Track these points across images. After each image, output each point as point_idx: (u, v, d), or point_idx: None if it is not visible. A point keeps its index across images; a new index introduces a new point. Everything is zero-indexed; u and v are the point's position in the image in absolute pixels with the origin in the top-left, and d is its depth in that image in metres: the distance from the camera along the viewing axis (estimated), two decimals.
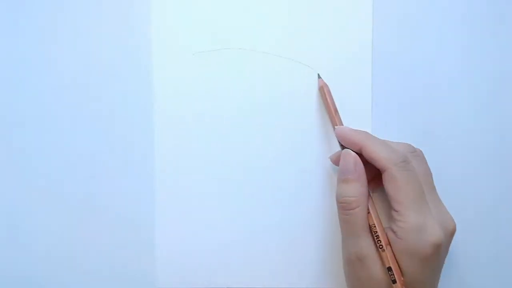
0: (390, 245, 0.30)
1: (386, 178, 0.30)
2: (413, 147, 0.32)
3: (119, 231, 0.35)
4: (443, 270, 0.31)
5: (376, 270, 0.29)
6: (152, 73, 0.35)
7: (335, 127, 0.33)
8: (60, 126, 0.35)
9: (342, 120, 0.34)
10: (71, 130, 0.35)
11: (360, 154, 0.31)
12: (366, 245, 0.30)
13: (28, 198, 0.35)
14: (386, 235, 0.30)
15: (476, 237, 0.36)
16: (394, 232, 0.29)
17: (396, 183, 0.29)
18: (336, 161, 0.33)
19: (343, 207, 0.30)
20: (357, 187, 0.30)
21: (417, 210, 0.29)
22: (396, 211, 0.29)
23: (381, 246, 0.29)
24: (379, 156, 0.30)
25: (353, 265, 0.30)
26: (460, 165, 0.36)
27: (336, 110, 0.34)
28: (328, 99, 0.34)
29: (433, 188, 0.32)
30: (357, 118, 0.35)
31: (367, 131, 0.35)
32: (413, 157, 0.31)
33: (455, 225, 0.31)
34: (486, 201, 0.36)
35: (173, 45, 0.35)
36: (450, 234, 0.30)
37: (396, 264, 0.29)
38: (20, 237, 0.35)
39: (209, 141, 0.35)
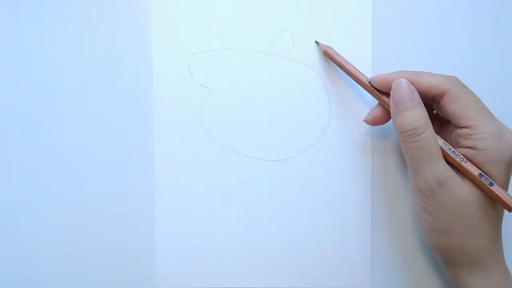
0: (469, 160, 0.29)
1: (449, 99, 0.30)
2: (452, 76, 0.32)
3: (119, 231, 0.35)
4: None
5: (461, 190, 0.29)
6: (152, 73, 0.35)
7: (369, 79, 0.32)
8: (60, 126, 0.35)
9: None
10: (71, 130, 0.35)
11: None
12: (444, 167, 0.29)
13: (27, 198, 0.35)
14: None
15: None
16: (471, 147, 0.29)
17: (462, 100, 0.29)
18: (374, 119, 0.33)
19: (413, 133, 0.29)
20: (421, 111, 0.30)
21: (489, 119, 0.29)
22: (468, 127, 0.29)
23: (462, 159, 0.29)
24: (436, 81, 0.30)
25: (433, 192, 0.29)
26: None
27: (354, 67, 0.33)
28: (339, 59, 0.33)
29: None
30: (357, 118, 0.35)
31: (367, 135, 0.35)
32: None
33: None
34: None
35: (173, 45, 0.35)
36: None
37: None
38: (19, 237, 0.35)
39: (209, 140, 0.35)
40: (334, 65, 0.35)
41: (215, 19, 0.35)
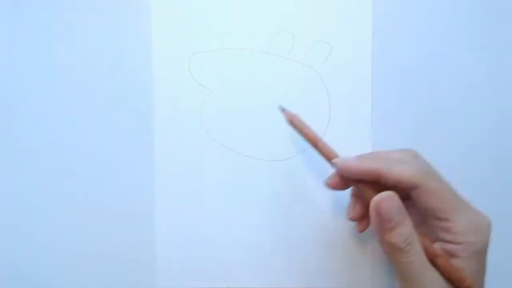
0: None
1: (422, 193, 0.28)
2: (411, 150, 0.30)
3: (119, 230, 0.35)
4: None
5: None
6: (152, 73, 0.35)
7: (334, 161, 0.30)
8: (60, 126, 0.35)
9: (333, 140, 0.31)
10: (71, 130, 0.35)
11: (369, 182, 0.29)
12: (438, 274, 0.28)
13: (27, 197, 0.35)
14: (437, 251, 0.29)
15: None
16: (450, 242, 0.28)
17: (435, 193, 0.28)
18: (336, 186, 0.31)
19: (408, 249, 0.27)
20: (410, 223, 0.28)
21: (465, 210, 0.28)
22: (446, 219, 0.28)
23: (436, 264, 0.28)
24: (406, 176, 0.28)
25: None
26: (460, 165, 0.36)
27: (320, 140, 0.31)
28: (306, 130, 0.31)
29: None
30: (357, 118, 0.35)
31: (367, 132, 0.35)
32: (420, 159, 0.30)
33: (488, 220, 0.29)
34: (486, 201, 0.36)
35: (173, 45, 0.35)
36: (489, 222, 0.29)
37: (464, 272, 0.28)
38: (19, 236, 0.35)
39: (209, 140, 0.35)
40: (335, 65, 0.35)
41: (215, 19, 0.35)
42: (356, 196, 0.32)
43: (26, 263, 0.35)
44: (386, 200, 0.28)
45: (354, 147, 0.35)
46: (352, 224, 0.35)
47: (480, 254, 0.28)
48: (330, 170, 0.35)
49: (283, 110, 0.32)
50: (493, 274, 0.36)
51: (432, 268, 0.28)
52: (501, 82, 0.36)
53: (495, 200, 0.36)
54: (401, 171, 0.28)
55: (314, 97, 0.35)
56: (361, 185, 0.30)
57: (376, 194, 0.28)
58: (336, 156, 0.30)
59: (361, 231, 0.32)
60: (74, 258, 0.35)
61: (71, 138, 0.35)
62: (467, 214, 0.28)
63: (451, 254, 0.28)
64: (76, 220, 0.35)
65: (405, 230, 0.28)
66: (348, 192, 0.35)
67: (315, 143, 0.31)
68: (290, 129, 0.35)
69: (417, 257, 0.27)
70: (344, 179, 0.30)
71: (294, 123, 0.31)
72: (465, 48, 0.35)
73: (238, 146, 0.35)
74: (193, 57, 0.35)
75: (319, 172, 0.35)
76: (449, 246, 0.28)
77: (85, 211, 0.35)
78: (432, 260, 0.28)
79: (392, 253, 0.28)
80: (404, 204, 0.28)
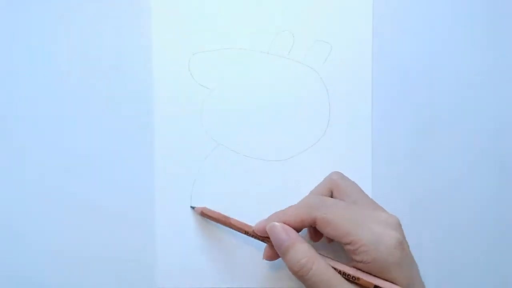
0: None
1: (321, 225, 0.30)
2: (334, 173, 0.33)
3: (119, 231, 0.35)
4: (443, 268, 0.31)
5: None
6: (152, 73, 0.35)
7: (253, 228, 0.32)
8: (60, 126, 0.35)
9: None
10: (71, 130, 0.35)
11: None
12: None
13: (27, 197, 0.35)
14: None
15: (475, 236, 0.36)
16: (361, 262, 0.29)
17: (331, 222, 0.29)
18: (271, 257, 0.32)
19: (304, 272, 0.29)
20: (301, 247, 0.30)
21: (363, 229, 0.29)
22: (348, 243, 0.29)
23: (355, 278, 0.29)
24: (302, 214, 0.30)
25: None
26: (460, 165, 0.36)
27: (236, 220, 0.33)
28: (217, 216, 0.34)
29: (359, 191, 0.32)
30: (357, 118, 0.35)
31: (367, 132, 0.35)
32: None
33: (396, 218, 0.30)
34: (486, 201, 0.36)
35: (173, 45, 0.35)
36: (397, 226, 0.30)
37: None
38: (19, 236, 0.35)
39: (209, 140, 0.35)
40: (335, 65, 0.35)
41: (215, 19, 0.35)
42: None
43: (25, 263, 0.35)
44: (272, 227, 0.31)
45: (354, 147, 0.35)
46: None
47: (395, 265, 0.28)
48: (330, 170, 0.35)
49: (192, 208, 0.35)
50: (493, 273, 0.36)
51: (340, 285, 0.29)
52: (501, 82, 0.36)
53: (495, 200, 0.36)
54: (297, 211, 0.31)
55: (314, 97, 0.35)
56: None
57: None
58: (249, 227, 0.33)
59: (265, 258, 0.33)
60: (74, 258, 0.35)
61: (71, 138, 0.35)
62: (366, 233, 0.29)
63: (374, 274, 0.29)
64: (76, 220, 0.35)
65: (295, 254, 0.29)
66: None
67: (232, 225, 0.33)
68: (290, 129, 0.35)
69: (317, 278, 0.29)
70: (274, 251, 0.32)
71: (205, 214, 0.34)
72: (465, 48, 0.36)
73: (238, 146, 0.35)
74: (193, 57, 0.35)
75: (319, 172, 0.35)
76: (361, 266, 0.29)
77: (85, 210, 0.35)
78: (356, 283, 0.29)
79: (294, 275, 0.30)
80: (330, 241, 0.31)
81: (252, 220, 0.35)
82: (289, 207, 0.32)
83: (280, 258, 0.31)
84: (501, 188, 0.36)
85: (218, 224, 0.35)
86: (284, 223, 0.31)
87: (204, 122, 0.35)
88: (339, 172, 0.34)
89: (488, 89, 0.36)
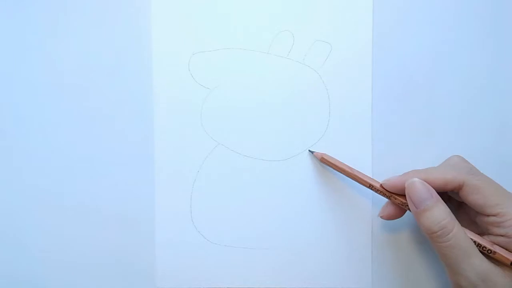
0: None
1: (468, 191, 0.29)
2: (454, 156, 0.32)
3: (119, 231, 0.35)
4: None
5: (503, 281, 0.28)
6: (152, 73, 0.35)
7: (381, 183, 0.32)
8: (60, 126, 0.35)
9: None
10: (71, 130, 0.35)
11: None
12: (482, 261, 0.28)
13: (27, 198, 0.35)
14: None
15: None
16: (503, 235, 0.29)
17: (481, 190, 0.29)
18: (389, 216, 0.32)
19: (442, 234, 0.28)
20: (443, 208, 0.29)
21: (511, 203, 0.29)
22: (495, 215, 0.29)
23: (489, 251, 0.29)
24: (450, 176, 0.30)
25: None
26: None
27: (361, 172, 0.33)
28: (340, 165, 0.33)
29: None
30: (357, 118, 0.35)
31: (367, 132, 0.35)
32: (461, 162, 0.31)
33: None
34: None
35: (173, 45, 0.35)
36: None
37: None
38: (19, 237, 0.35)
39: (209, 141, 0.35)
40: (335, 65, 0.35)
41: (215, 19, 0.35)
42: (394, 204, 0.32)
43: (25, 264, 0.35)
44: (415, 183, 0.30)
45: (354, 147, 0.35)
46: (352, 223, 0.35)
47: None
48: (330, 171, 0.35)
49: (311, 152, 0.35)
50: None
51: (475, 255, 0.28)
52: (501, 83, 0.36)
53: None
54: (444, 174, 0.30)
55: (314, 97, 0.35)
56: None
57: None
58: (376, 182, 0.32)
59: (381, 216, 0.33)
60: (74, 259, 0.35)
61: (71, 138, 0.35)
62: None
63: (510, 249, 0.29)
64: (76, 220, 0.35)
65: (437, 214, 0.29)
66: (347, 191, 0.35)
67: (357, 177, 0.33)
68: (290, 129, 0.35)
69: (454, 242, 0.28)
70: (396, 208, 0.32)
71: (325, 160, 0.34)
72: (465, 48, 0.35)
73: (238, 146, 0.35)
74: (193, 57, 0.35)
75: (319, 172, 0.35)
76: (501, 240, 0.29)
77: (84, 211, 0.35)
78: (489, 254, 0.29)
79: (429, 237, 0.29)
80: (456, 210, 0.30)
81: (251, 221, 0.35)
82: (429, 168, 0.31)
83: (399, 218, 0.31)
84: None
85: (217, 224, 0.35)
86: (426, 181, 0.30)
87: (204, 122, 0.35)
88: (459, 156, 0.33)
89: (488, 90, 0.36)
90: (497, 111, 0.36)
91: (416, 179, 0.30)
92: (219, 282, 0.35)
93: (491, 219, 0.29)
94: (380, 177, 0.35)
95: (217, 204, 0.35)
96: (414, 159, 0.35)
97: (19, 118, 0.35)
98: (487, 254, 0.29)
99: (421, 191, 0.29)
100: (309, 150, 0.35)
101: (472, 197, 0.29)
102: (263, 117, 0.35)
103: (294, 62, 0.35)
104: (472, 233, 0.30)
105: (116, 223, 0.35)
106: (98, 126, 0.35)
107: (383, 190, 0.32)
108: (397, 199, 0.31)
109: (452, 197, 0.32)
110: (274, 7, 0.35)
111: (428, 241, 0.36)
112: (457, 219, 0.29)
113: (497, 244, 0.29)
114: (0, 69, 0.35)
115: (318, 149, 0.35)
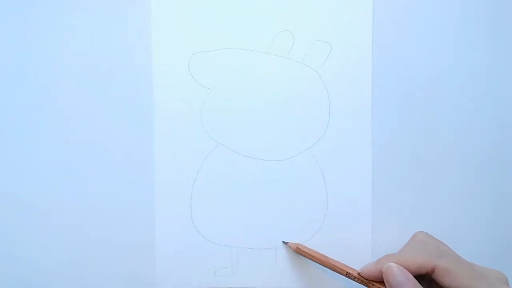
0: None
1: (440, 274, 0.30)
2: (420, 234, 0.33)
3: (119, 231, 0.35)
4: None
5: None
6: (152, 73, 0.35)
7: (358, 271, 0.32)
8: (60, 126, 0.35)
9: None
10: (70, 130, 0.35)
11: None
12: None
13: (27, 198, 0.35)
14: None
15: (475, 236, 0.36)
16: None
17: (453, 273, 0.29)
18: (371, 275, 0.32)
19: None
20: None
21: (483, 284, 0.29)
22: None
23: None
24: (421, 260, 0.30)
25: None
26: (460, 165, 0.36)
27: (337, 261, 0.33)
28: (315, 255, 0.34)
29: (449, 249, 0.33)
30: (357, 118, 0.35)
31: (367, 135, 0.35)
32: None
33: (503, 274, 0.31)
34: (486, 201, 0.36)
35: (173, 45, 0.35)
36: (507, 281, 0.31)
37: None
38: (19, 237, 0.35)
39: (209, 141, 0.35)
40: (335, 65, 0.35)
41: (215, 19, 0.35)
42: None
43: (25, 264, 0.35)
44: (391, 268, 0.30)
45: (354, 147, 0.35)
46: (352, 223, 0.35)
47: None
48: (329, 171, 0.35)
49: (285, 243, 0.35)
50: None
51: None
52: (501, 83, 0.36)
53: (495, 200, 0.36)
54: (415, 257, 0.30)
55: (314, 97, 0.35)
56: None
57: None
58: (353, 270, 0.33)
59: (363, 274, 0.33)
60: (74, 258, 0.35)
61: (71, 138, 0.35)
62: (486, 285, 0.29)
63: None
64: (76, 220, 0.35)
65: None
66: (347, 191, 0.35)
67: (333, 266, 0.33)
68: (290, 129, 0.35)
69: None
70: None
71: (300, 250, 0.34)
72: (465, 48, 0.35)
73: (238, 146, 0.35)
74: (193, 57, 0.35)
75: (319, 172, 0.35)
76: None
77: (84, 210, 0.35)
78: None
79: None
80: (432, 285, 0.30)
81: (251, 221, 0.35)
82: (401, 251, 0.32)
83: None
84: (501, 188, 0.36)
85: (217, 224, 0.35)
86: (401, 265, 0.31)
87: (204, 122, 0.35)
88: (424, 232, 0.34)
89: (488, 90, 0.36)
90: (497, 111, 0.36)
91: (393, 264, 0.30)
92: (219, 282, 0.35)
93: None
94: (379, 178, 0.35)
95: (217, 204, 0.35)
96: (414, 159, 0.35)
97: (19, 118, 0.35)
98: None
99: (398, 275, 0.30)
100: (283, 242, 0.35)
101: (445, 280, 0.30)
102: (263, 117, 0.35)
103: (294, 62, 0.35)
104: None
105: (116, 222, 0.35)
106: (98, 126, 0.35)
107: (360, 278, 0.32)
108: (375, 285, 0.32)
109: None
110: (274, 7, 0.35)
111: None
112: None
113: None
114: (0, 69, 0.35)
115: (318, 149, 0.35)
